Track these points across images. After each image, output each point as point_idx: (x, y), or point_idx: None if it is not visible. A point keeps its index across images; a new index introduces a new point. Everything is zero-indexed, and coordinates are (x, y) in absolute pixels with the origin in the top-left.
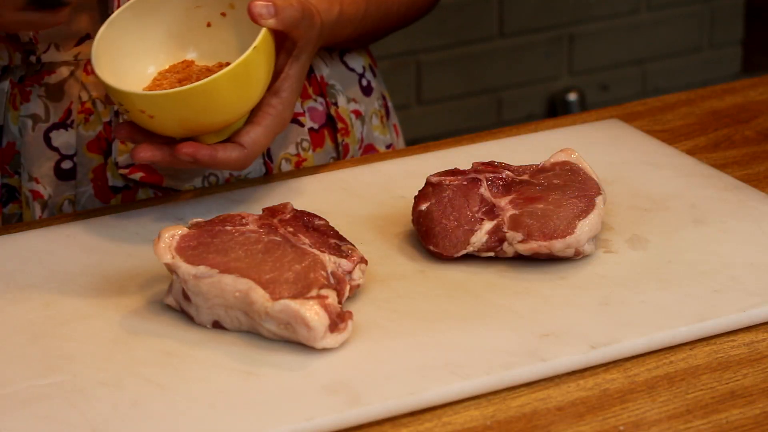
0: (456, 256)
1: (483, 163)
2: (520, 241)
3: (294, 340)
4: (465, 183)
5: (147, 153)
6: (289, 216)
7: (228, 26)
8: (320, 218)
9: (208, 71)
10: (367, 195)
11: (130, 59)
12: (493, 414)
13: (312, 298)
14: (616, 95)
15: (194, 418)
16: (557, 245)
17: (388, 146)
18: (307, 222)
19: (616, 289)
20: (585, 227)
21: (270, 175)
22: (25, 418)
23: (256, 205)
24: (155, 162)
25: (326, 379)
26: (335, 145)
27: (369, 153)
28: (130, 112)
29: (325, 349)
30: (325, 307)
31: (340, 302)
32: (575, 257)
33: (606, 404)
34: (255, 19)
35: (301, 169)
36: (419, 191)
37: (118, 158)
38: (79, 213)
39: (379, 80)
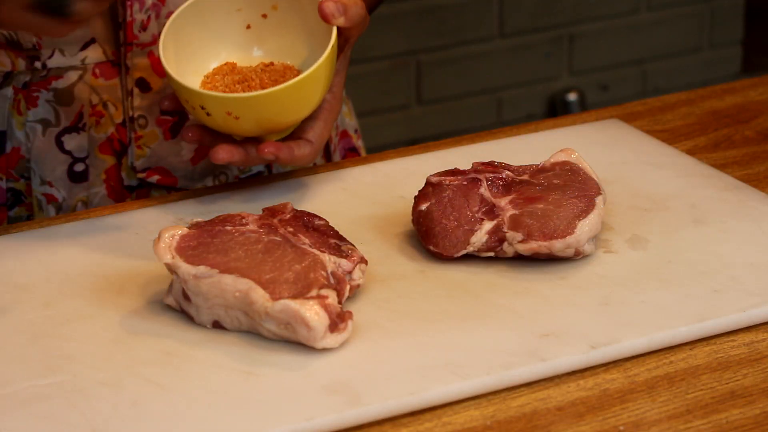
0: (456, 256)
1: (483, 163)
2: (520, 241)
3: (294, 340)
4: (465, 183)
5: (226, 154)
6: (289, 216)
7: (270, 27)
8: (320, 218)
9: (263, 72)
10: (367, 195)
11: (187, 62)
12: (493, 414)
13: (312, 298)
14: (616, 95)
15: (194, 418)
16: (557, 245)
17: (356, 131)
18: (307, 222)
19: (616, 289)
20: (585, 227)
21: (270, 175)
22: (25, 418)
23: (256, 205)
24: (233, 162)
25: (326, 379)
26: None
27: (344, 140)
28: (213, 115)
29: (325, 349)
30: (325, 307)
31: (340, 302)
32: (575, 257)
33: (606, 404)
34: (326, 18)
35: (301, 169)
36: (419, 191)
37: (136, 162)
38: (78, 213)
39: None
